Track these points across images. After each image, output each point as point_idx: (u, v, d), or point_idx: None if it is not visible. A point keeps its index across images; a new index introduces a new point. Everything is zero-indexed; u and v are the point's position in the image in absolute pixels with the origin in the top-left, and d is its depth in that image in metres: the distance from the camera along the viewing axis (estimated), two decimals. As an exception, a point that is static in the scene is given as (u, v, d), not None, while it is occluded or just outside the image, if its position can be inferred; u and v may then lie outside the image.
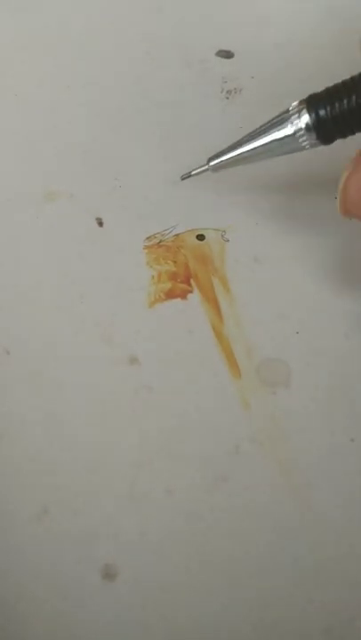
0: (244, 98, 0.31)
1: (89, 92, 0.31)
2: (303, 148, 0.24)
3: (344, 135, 0.23)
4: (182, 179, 0.27)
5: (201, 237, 0.27)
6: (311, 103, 0.23)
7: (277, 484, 0.22)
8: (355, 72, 0.23)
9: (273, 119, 0.24)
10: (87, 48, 0.33)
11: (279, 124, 0.24)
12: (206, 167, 0.26)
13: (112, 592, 0.21)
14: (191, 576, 0.21)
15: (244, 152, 0.25)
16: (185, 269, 0.26)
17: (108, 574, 0.21)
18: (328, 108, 0.23)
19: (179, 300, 0.25)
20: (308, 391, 0.24)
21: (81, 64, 0.32)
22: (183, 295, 0.26)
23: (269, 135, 0.24)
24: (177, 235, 0.27)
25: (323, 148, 0.25)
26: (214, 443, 0.23)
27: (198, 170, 0.26)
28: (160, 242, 0.27)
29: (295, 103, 0.24)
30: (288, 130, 0.23)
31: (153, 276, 0.26)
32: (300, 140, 0.23)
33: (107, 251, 0.27)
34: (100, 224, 0.27)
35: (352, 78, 0.23)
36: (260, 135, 0.24)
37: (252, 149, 0.25)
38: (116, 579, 0.21)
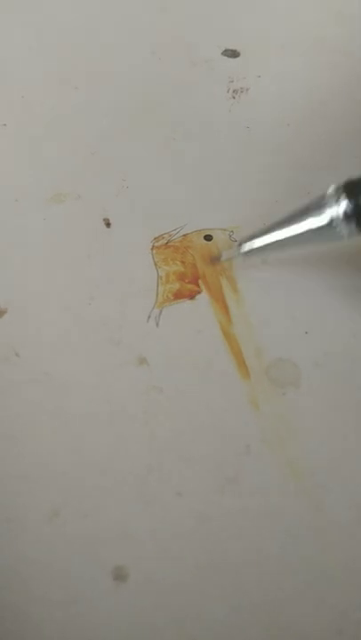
0: (250, 97, 0.31)
1: (95, 92, 0.31)
2: (341, 238, 0.22)
3: None
4: (212, 262, 0.25)
5: (209, 238, 0.27)
6: (349, 189, 0.22)
7: (287, 485, 0.22)
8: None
9: (308, 205, 0.22)
10: (93, 49, 0.33)
11: (315, 212, 0.22)
12: (238, 253, 0.25)
13: (123, 594, 0.20)
14: (202, 578, 0.21)
15: (276, 241, 0.23)
16: (193, 270, 0.26)
17: (119, 576, 0.21)
18: None
19: (187, 300, 0.25)
20: (317, 391, 0.24)
21: (87, 65, 0.32)
22: (191, 296, 0.26)
23: (304, 223, 0.22)
24: (185, 235, 0.27)
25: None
26: (224, 444, 0.23)
27: (229, 255, 0.25)
28: (168, 242, 0.27)
29: (331, 189, 0.22)
30: (324, 218, 0.22)
31: (161, 277, 0.26)
32: (338, 229, 0.22)
33: (114, 251, 0.27)
34: (108, 225, 0.27)
35: None
36: (293, 222, 0.23)
37: (284, 238, 0.23)
38: (127, 580, 0.21)
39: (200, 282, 0.26)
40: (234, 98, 0.31)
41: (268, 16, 0.34)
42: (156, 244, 0.27)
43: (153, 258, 0.26)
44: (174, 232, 0.27)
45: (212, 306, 0.25)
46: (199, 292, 0.26)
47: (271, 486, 0.22)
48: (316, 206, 0.22)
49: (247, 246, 0.24)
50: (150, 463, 0.22)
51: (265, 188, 0.29)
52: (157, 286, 0.26)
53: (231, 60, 0.33)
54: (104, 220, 0.27)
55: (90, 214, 0.27)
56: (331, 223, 0.22)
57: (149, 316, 0.25)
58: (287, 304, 0.25)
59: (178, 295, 0.25)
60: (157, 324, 0.25)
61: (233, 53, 0.33)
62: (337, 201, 0.22)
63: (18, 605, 0.20)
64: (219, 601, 0.21)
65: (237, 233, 0.27)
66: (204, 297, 0.25)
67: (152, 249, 0.27)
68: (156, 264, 0.26)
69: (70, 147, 0.29)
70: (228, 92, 0.31)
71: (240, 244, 0.25)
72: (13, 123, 0.30)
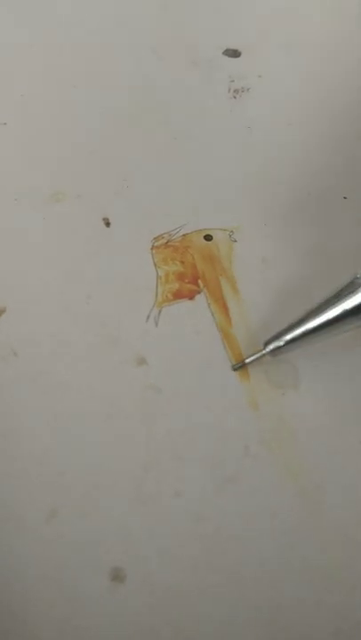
0: (251, 97, 0.31)
1: (95, 91, 0.31)
2: None
3: None
4: (234, 369, 0.23)
5: (209, 238, 0.27)
6: None
7: (286, 486, 0.22)
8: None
9: (339, 290, 0.21)
10: (93, 47, 0.33)
11: (349, 294, 0.21)
12: (263, 352, 0.23)
13: (121, 594, 0.20)
14: (200, 578, 0.21)
15: (307, 330, 0.22)
16: (193, 270, 0.26)
17: (117, 577, 0.21)
18: None
19: (186, 300, 0.25)
20: (316, 393, 0.24)
21: (87, 63, 0.32)
22: (191, 296, 0.25)
23: (338, 307, 0.21)
24: (184, 235, 0.27)
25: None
26: (223, 444, 0.23)
27: (254, 357, 0.23)
28: (167, 242, 0.27)
29: None
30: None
31: (160, 277, 0.26)
32: None
33: (114, 251, 0.26)
34: (108, 224, 0.27)
35: None
36: (325, 309, 0.21)
37: (317, 327, 0.22)
38: (125, 581, 0.21)
39: (200, 282, 0.26)
40: (235, 98, 0.31)
41: (269, 15, 0.34)
42: (155, 244, 0.27)
43: (153, 257, 0.26)
44: (174, 232, 0.27)
45: (211, 306, 0.25)
46: (199, 292, 0.26)
47: (270, 487, 0.22)
48: (348, 289, 0.21)
49: (274, 345, 0.22)
50: (148, 463, 0.22)
51: (266, 188, 0.28)
52: (157, 286, 0.26)
53: (232, 59, 0.33)
54: (104, 219, 0.27)
55: (89, 214, 0.27)
56: None
57: (148, 316, 0.25)
58: (287, 305, 0.25)
59: (177, 295, 0.25)
60: (157, 324, 0.25)
61: (234, 53, 0.33)
62: None
63: (15, 605, 0.20)
64: (217, 602, 0.21)
65: (237, 233, 0.27)
66: (203, 297, 0.25)
67: (152, 249, 0.26)
68: (155, 264, 0.26)
69: (70, 146, 0.29)
70: (229, 91, 0.31)
71: (266, 344, 0.23)
72: (13, 121, 0.30)
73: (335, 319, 0.21)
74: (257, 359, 0.23)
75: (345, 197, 0.28)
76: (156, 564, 0.21)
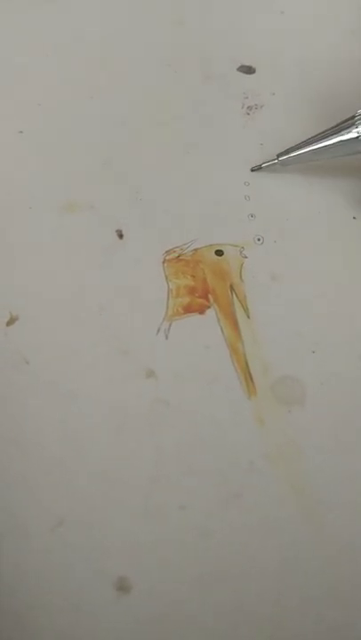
0: (264, 114, 0.32)
1: (111, 103, 0.31)
2: None
3: None
4: (252, 170, 0.29)
5: (220, 253, 0.27)
6: None
7: (290, 502, 0.22)
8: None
9: (339, 123, 0.27)
10: (109, 60, 0.33)
11: (345, 128, 0.27)
12: (276, 161, 0.29)
13: (126, 605, 0.21)
14: (204, 591, 0.21)
15: (310, 150, 0.28)
16: (203, 284, 0.26)
17: (122, 587, 0.21)
18: None
19: (197, 314, 0.26)
20: (322, 410, 0.24)
21: (103, 76, 0.32)
22: (201, 310, 0.26)
23: (335, 137, 0.27)
24: (196, 249, 0.27)
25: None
26: (228, 459, 0.23)
27: (268, 163, 0.29)
28: (179, 256, 0.27)
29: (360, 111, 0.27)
30: (353, 134, 0.27)
31: (171, 290, 0.26)
32: None
33: (126, 263, 0.27)
34: (120, 236, 0.27)
35: None
36: (326, 137, 0.28)
37: (318, 148, 0.28)
38: (130, 592, 0.21)
39: (210, 296, 0.26)
40: (248, 114, 0.31)
41: (284, 33, 0.34)
42: (167, 257, 0.27)
43: (164, 271, 0.27)
44: (186, 246, 0.27)
45: (221, 321, 0.26)
46: (209, 307, 0.26)
47: (273, 502, 0.22)
48: (347, 124, 0.27)
49: (285, 155, 0.28)
50: (154, 476, 0.23)
51: (278, 205, 0.29)
52: (168, 299, 0.26)
53: (246, 76, 0.33)
54: (116, 231, 0.28)
55: (103, 225, 0.28)
56: (358, 138, 0.27)
57: (159, 329, 0.25)
58: (295, 322, 0.26)
59: (188, 309, 0.26)
60: (167, 337, 0.25)
61: (248, 69, 0.33)
62: None
63: (21, 614, 0.20)
64: (220, 614, 0.21)
65: (248, 249, 0.27)
66: (213, 312, 0.26)
67: (163, 262, 0.27)
68: (167, 277, 0.26)
69: (85, 156, 0.30)
70: (242, 107, 0.32)
71: (278, 156, 0.28)
72: (29, 130, 0.30)
73: (330, 145, 0.27)
74: (270, 165, 0.29)
75: (354, 217, 0.28)
76: (161, 575, 0.21)
